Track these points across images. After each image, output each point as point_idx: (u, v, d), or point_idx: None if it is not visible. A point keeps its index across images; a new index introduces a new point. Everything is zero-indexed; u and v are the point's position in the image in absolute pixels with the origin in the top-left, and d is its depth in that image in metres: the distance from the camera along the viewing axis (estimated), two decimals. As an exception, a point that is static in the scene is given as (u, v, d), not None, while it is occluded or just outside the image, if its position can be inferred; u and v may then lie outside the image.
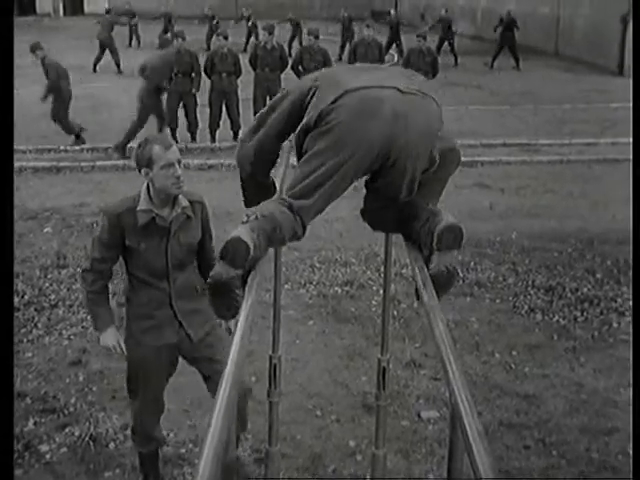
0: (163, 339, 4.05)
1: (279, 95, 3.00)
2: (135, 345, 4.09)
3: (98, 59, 21.00)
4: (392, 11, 24.97)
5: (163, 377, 4.23)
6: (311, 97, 2.78)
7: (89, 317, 4.27)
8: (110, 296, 4.21)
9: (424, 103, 2.73)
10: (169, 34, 24.87)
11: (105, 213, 3.95)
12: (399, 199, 2.80)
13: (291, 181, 2.74)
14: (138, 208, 3.85)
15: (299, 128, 2.75)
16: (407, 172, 2.70)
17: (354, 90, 2.65)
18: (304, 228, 2.70)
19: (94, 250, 4.00)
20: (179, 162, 3.78)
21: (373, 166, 2.71)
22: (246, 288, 2.41)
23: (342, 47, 23.67)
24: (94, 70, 20.64)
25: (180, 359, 4.23)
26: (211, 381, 4.13)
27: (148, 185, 3.87)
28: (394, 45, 23.62)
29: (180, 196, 3.92)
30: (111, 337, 4.07)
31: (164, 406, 4.36)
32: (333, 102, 2.64)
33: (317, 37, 13.34)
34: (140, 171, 3.80)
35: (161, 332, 4.03)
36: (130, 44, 26.07)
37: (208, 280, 2.52)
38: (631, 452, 4.08)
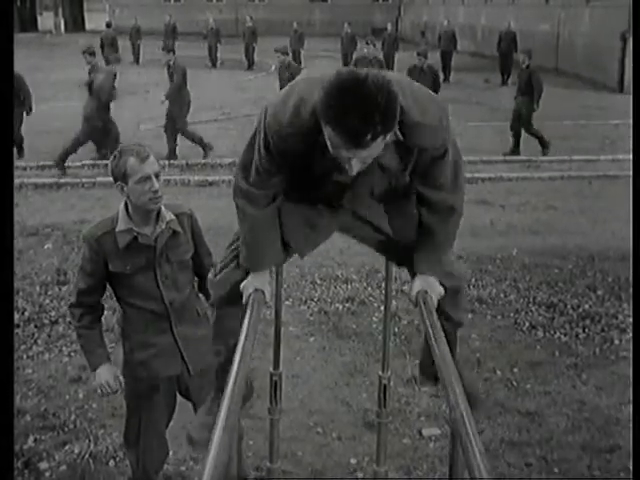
0: (165, 371, 3.78)
1: None
2: (134, 381, 3.83)
3: None
4: (388, 27, 25.02)
5: (166, 414, 3.98)
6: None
7: (83, 356, 3.96)
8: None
9: None
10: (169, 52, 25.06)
11: (84, 239, 3.69)
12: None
13: None
14: (117, 229, 3.58)
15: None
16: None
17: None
18: None
19: (78, 281, 3.74)
20: (157, 175, 3.48)
21: None
22: (247, 305, 2.40)
23: (344, 65, 23.74)
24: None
25: None
26: None
27: (126, 202, 3.59)
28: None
29: (163, 210, 3.63)
30: (106, 374, 3.76)
31: (168, 448, 4.15)
32: None
33: (425, 56, 13.56)
34: (115, 185, 3.54)
35: (162, 363, 3.74)
36: (137, 61, 26.14)
37: None
38: (631, 467, 4.06)
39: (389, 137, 2.21)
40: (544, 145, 13.61)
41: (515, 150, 13.72)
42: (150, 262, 3.64)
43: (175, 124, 12.80)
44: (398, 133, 2.34)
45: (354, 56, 19.11)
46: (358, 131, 2.09)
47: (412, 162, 2.49)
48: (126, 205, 3.60)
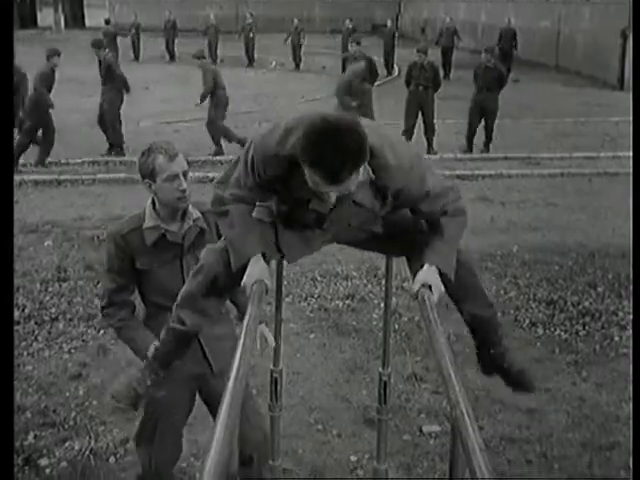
0: (186, 370, 3.63)
1: None
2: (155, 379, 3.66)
3: None
4: (388, 23, 24.98)
5: (185, 415, 3.91)
6: None
7: (131, 349, 3.80)
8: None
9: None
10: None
11: (109, 237, 3.66)
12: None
13: None
14: (144, 226, 3.57)
15: None
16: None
17: None
18: None
19: (107, 282, 3.69)
20: (185, 174, 3.49)
21: None
22: (248, 301, 2.40)
23: (343, 60, 23.62)
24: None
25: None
26: None
27: (153, 199, 3.60)
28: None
29: (190, 207, 3.62)
30: None
31: (182, 447, 4.05)
32: None
33: (425, 53, 13.54)
34: (143, 182, 3.55)
35: (184, 362, 3.53)
36: (137, 57, 26.06)
37: None
38: (631, 465, 4.06)
39: (362, 173, 2.43)
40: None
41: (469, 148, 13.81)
42: (177, 259, 3.62)
43: (213, 125, 13.03)
44: (370, 173, 2.55)
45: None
46: (334, 171, 2.32)
47: (389, 201, 2.67)
48: (153, 202, 3.61)
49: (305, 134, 2.32)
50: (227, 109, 13.12)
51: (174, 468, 4.08)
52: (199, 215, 3.65)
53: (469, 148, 13.52)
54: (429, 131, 13.58)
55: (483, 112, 13.38)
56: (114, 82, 13.06)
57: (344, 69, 23.06)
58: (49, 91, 12.19)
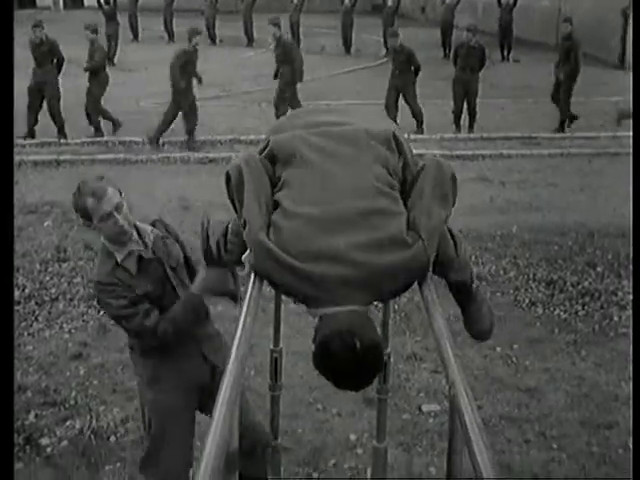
0: (189, 378, 3.67)
1: None
2: (164, 394, 3.67)
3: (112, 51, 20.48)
4: (389, 2, 24.76)
5: (192, 424, 3.81)
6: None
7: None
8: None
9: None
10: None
11: (97, 286, 3.51)
12: None
13: None
14: (119, 261, 3.47)
15: None
16: None
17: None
18: None
19: (128, 315, 3.50)
20: (118, 208, 3.35)
21: None
22: (248, 282, 2.39)
23: (344, 40, 23.43)
24: (112, 63, 20.13)
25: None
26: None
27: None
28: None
29: (140, 225, 3.57)
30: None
31: (192, 462, 3.85)
32: None
33: (475, 32, 13.22)
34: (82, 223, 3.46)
35: (192, 366, 3.65)
36: (136, 37, 25.82)
37: None
38: (631, 446, 4.08)
39: None
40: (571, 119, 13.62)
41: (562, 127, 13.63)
42: (162, 275, 3.57)
43: (284, 94, 12.82)
44: None
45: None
46: (350, 389, 2.32)
47: None
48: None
49: (322, 352, 2.21)
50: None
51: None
52: (151, 227, 3.63)
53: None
54: (471, 114, 13.32)
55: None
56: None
57: (347, 49, 23.03)
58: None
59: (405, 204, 2.39)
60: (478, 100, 13.15)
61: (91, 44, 12.53)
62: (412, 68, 12.98)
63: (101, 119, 12.73)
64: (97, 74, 12.49)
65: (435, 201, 2.39)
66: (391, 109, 13.01)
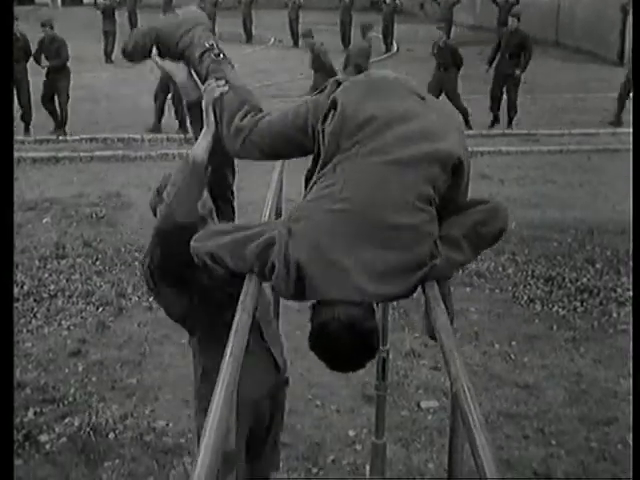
0: (264, 383, 3.21)
1: None
2: (246, 409, 2.95)
3: (110, 48, 20.44)
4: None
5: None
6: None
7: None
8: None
9: None
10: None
11: None
12: None
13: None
14: None
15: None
16: None
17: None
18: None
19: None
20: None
21: None
22: (245, 278, 2.37)
23: (343, 36, 23.39)
24: (110, 60, 20.10)
25: None
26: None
27: None
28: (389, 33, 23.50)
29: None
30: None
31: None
32: None
33: (519, 18, 13.20)
34: None
35: (260, 373, 3.11)
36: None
37: None
38: (631, 442, 4.08)
39: None
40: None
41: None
42: None
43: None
44: None
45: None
46: (343, 370, 2.47)
47: None
48: None
49: (318, 333, 2.28)
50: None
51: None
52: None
53: None
54: (511, 109, 13.32)
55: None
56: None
57: (345, 46, 22.99)
58: None
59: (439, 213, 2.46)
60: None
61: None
62: (454, 64, 13.08)
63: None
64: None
65: (471, 246, 2.61)
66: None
